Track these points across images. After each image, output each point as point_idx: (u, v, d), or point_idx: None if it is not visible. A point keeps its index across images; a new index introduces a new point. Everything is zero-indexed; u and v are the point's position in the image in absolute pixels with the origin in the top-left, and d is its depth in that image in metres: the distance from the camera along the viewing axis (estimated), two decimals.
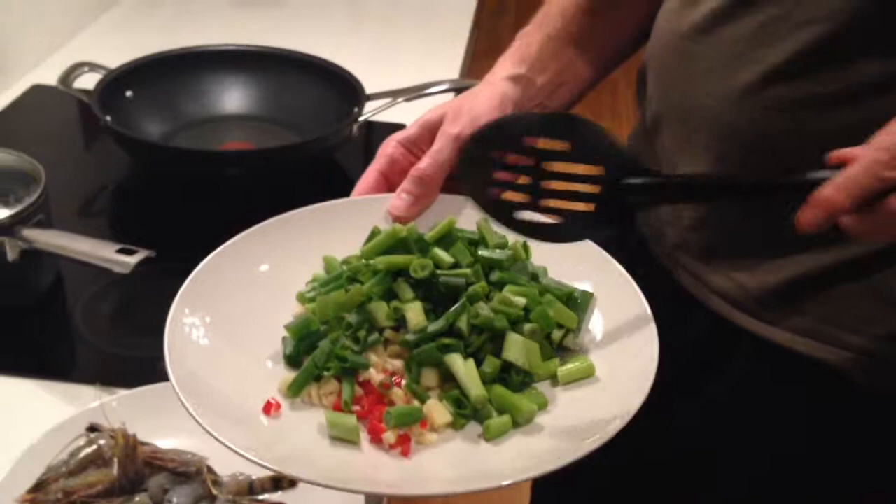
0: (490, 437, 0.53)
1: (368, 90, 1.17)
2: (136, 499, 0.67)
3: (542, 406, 0.55)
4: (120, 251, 0.81)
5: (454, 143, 0.66)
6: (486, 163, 0.56)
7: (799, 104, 0.62)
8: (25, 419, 0.75)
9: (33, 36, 1.35)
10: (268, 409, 0.54)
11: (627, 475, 0.84)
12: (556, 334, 0.58)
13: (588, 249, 0.61)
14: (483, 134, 0.58)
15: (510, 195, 0.56)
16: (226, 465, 0.70)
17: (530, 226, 0.57)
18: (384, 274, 0.58)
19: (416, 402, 0.54)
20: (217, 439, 0.50)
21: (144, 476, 0.68)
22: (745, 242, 0.69)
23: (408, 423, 0.53)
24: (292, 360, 0.57)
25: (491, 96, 0.70)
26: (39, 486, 0.67)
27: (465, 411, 0.54)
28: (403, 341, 0.56)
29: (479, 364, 0.55)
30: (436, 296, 0.57)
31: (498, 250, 0.60)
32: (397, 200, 0.65)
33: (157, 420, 0.72)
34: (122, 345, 0.86)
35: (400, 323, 0.57)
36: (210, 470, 0.69)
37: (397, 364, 0.56)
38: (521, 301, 0.57)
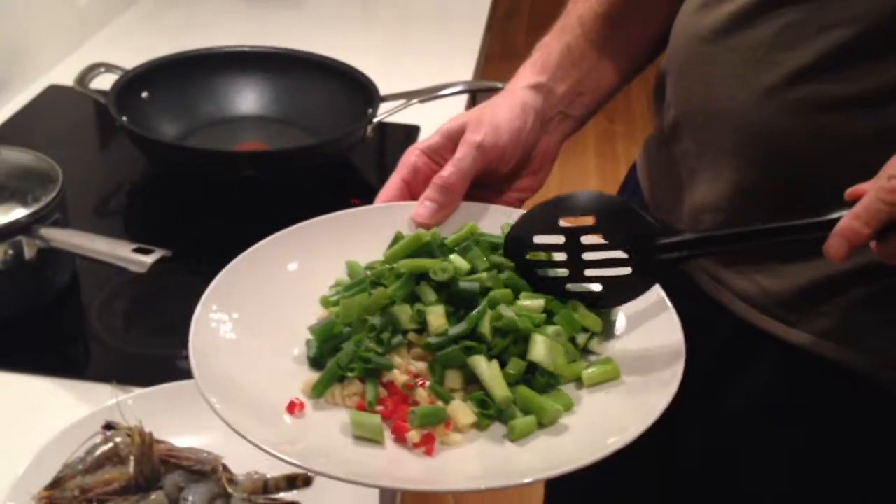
0: (515, 437, 0.53)
1: (382, 91, 1.17)
2: (152, 496, 0.67)
3: (568, 407, 0.55)
4: (136, 250, 0.81)
5: (476, 151, 0.66)
6: (526, 248, 0.61)
7: (822, 107, 0.62)
8: (42, 417, 0.76)
9: (50, 37, 1.36)
10: (291, 408, 0.55)
11: (645, 478, 0.84)
12: (581, 338, 0.59)
13: None
14: (520, 223, 0.62)
15: (557, 271, 0.61)
16: (241, 464, 0.71)
17: (579, 296, 0.61)
18: (407, 277, 0.58)
19: (440, 403, 0.54)
20: (239, 433, 0.51)
21: (160, 474, 0.69)
22: None
23: (432, 423, 0.53)
24: (316, 363, 0.58)
25: (512, 105, 0.71)
26: (56, 484, 0.68)
27: (490, 412, 0.54)
28: (426, 344, 0.56)
29: (503, 366, 0.55)
30: (457, 300, 0.58)
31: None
32: (421, 208, 0.65)
33: (172, 418, 0.73)
34: (138, 343, 0.86)
35: (423, 326, 0.58)
36: (225, 468, 0.70)
37: (421, 366, 0.56)
38: (539, 303, 0.58)
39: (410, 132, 1.23)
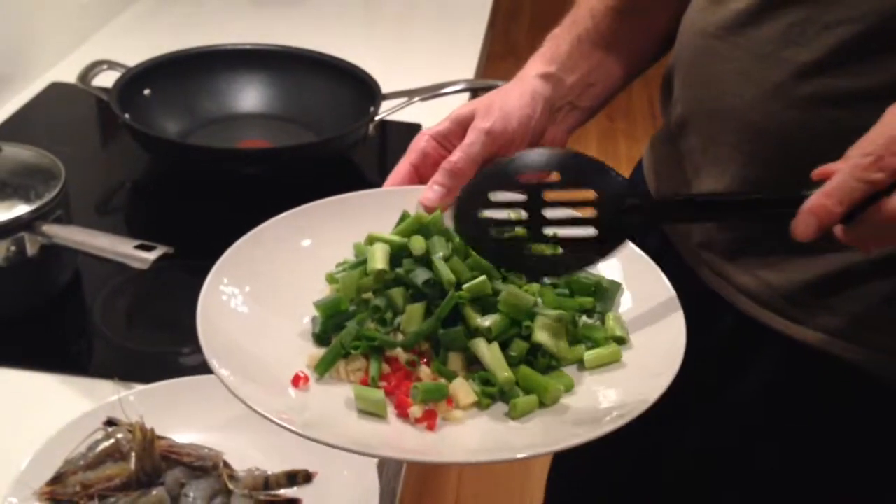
0: (516, 415, 0.54)
1: (384, 90, 1.17)
2: (153, 492, 0.67)
3: (569, 387, 0.55)
4: (138, 247, 0.82)
5: (485, 137, 0.67)
6: (478, 206, 0.56)
7: (828, 103, 0.62)
8: (44, 413, 0.76)
9: (52, 34, 1.37)
10: (296, 381, 0.56)
11: (647, 473, 0.84)
12: (582, 323, 0.59)
13: None
14: (475, 180, 0.58)
15: (512, 231, 0.57)
16: (242, 461, 0.71)
17: (537, 261, 0.57)
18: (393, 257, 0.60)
19: (442, 381, 0.55)
20: (243, 402, 0.51)
21: (161, 470, 0.69)
22: (772, 241, 0.69)
23: (434, 399, 0.54)
24: (321, 338, 0.59)
25: (522, 93, 0.71)
26: (58, 479, 0.68)
27: (492, 390, 0.55)
28: (414, 335, 0.57)
29: (505, 347, 0.56)
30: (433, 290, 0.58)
31: None
32: (429, 192, 0.66)
33: (174, 415, 0.73)
34: (140, 340, 0.86)
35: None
36: (226, 464, 0.70)
37: (424, 346, 0.57)
38: (530, 298, 0.57)
39: (412, 130, 1.23)
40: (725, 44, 0.67)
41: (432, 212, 0.64)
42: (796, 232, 0.51)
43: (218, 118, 1.22)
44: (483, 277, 0.57)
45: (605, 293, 0.61)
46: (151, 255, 0.80)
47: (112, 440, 0.70)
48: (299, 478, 0.71)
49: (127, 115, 1.07)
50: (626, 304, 0.61)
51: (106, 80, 1.15)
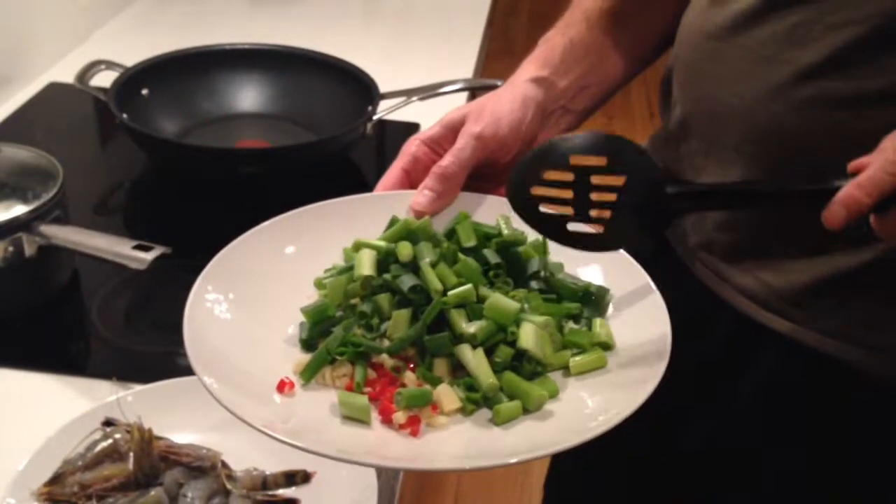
0: (500, 421, 0.54)
1: (382, 89, 1.17)
2: (152, 493, 0.67)
3: (553, 393, 0.55)
4: (136, 247, 0.82)
5: (476, 142, 0.67)
6: (532, 183, 0.59)
7: (829, 105, 0.62)
8: (42, 413, 0.76)
9: (50, 34, 1.37)
10: (281, 387, 0.56)
11: (644, 475, 0.84)
12: (569, 329, 0.60)
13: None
14: (530, 156, 0.60)
15: (559, 208, 0.59)
16: (240, 461, 0.71)
17: (578, 237, 0.60)
18: (380, 263, 0.60)
19: (427, 387, 0.55)
20: (229, 410, 0.51)
21: (159, 470, 0.69)
22: (772, 242, 0.69)
23: (418, 405, 0.54)
24: (307, 345, 0.59)
25: (513, 98, 0.71)
26: (56, 480, 0.68)
27: (476, 396, 0.55)
28: (400, 340, 0.57)
29: (490, 353, 0.56)
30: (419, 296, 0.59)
31: (487, 251, 0.61)
32: (419, 196, 0.66)
33: (172, 415, 0.73)
34: (138, 340, 0.86)
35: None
36: (224, 465, 0.70)
37: (410, 351, 0.57)
38: (515, 305, 0.57)
39: (410, 129, 1.23)
40: (726, 44, 0.67)
41: (423, 216, 0.64)
42: (827, 220, 0.53)
43: (216, 118, 1.22)
44: (469, 285, 0.58)
45: (593, 299, 0.61)
46: (149, 256, 0.80)
47: (110, 440, 0.70)
48: (297, 478, 0.71)
49: (125, 115, 1.07)
50: (613, 310, 0.61)
51: (103, 80, 1.15)
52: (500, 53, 2.66)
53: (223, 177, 1.09)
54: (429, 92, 1.18)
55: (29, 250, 0.85)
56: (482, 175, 0.69)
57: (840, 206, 0.52)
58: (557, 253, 0.63)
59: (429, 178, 0.66)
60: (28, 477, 0.68)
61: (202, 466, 0.69)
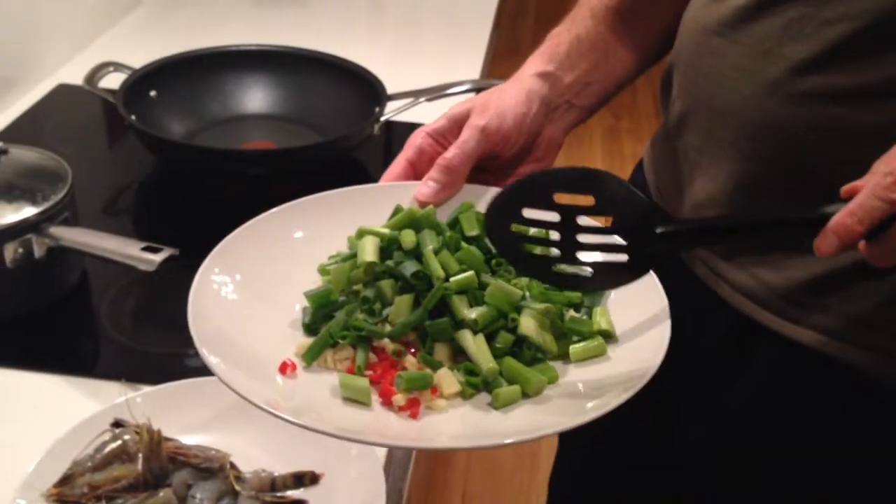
0: (499, 405, 0.54)
1: (390, 90, 1.17)
2: (160, 494, 0.67)
3: (553, 379, 0.56)
4: (145, 249, 0.82)
5: (480, 135, 0.67)
6: (512, 219, 0.58)
7: (826, 100, 0.62)
8: (51, 414, 0.76)
9: (59, 36, 1.37)
10: (283, 368, 0.56)
11: (646, 473, 0.84)
12: (569, 317, 0.60)
13: None
14: (510, 191, 0.59)
15: (546, 250, 0.58)
16: (248, 462, 0.71)
17: (564, 278, 0.59)
18: (384, 249, 0.61)
19: (427, 370, 0.56)
20: (231, 388, 0.52)
21: (168, 471, 0.69)
22: None
23: (418, 388, 0.54)
24: (310, 329, 0.59)
25: (518, 92, 0.71)
26: (65, 481, 0.68)
27: (475, 380, 0.55)
28: (403, 325, 0.58)
29: (491, 339, 0.57)
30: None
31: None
32: (423, 187, 0.66)
33: (180, 416, 0.73)
34: (147, 341, 0.87)
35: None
36: (233, 466, 0.70)
37: (411, 336, 0.58)
38: (517, 292, 0.58)
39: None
40: (724, 40, 0.67)
41: (427, 207, 0.65)
42: (819, 249, 0.52)
43: (223, 119, 1.22)
44: (471, 272, 0.58)
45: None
46: (158, 257, 0.80)
47: (119, 441, 0.70)
48: (306, 479, 0.71)
49: (133, 117, 1.07)
50: (614, 300, 0.62)
51: (112, 81, 1.16)
52: (506, 54, 2.66)
53: (230, 178, 1.09)
54: (436, 93, 1.18)
55: (38, 252, 0.85)
56: (486, 168, 0.70)
57: (832, 236, 0.51)
58: None
59: (433, 170, 0.67)
60: (38, 478, 0.68)
61: (211, 468, 0.69)
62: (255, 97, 1.25)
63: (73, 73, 1.28)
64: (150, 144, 1.09)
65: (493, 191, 0.68)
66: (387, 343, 0.57)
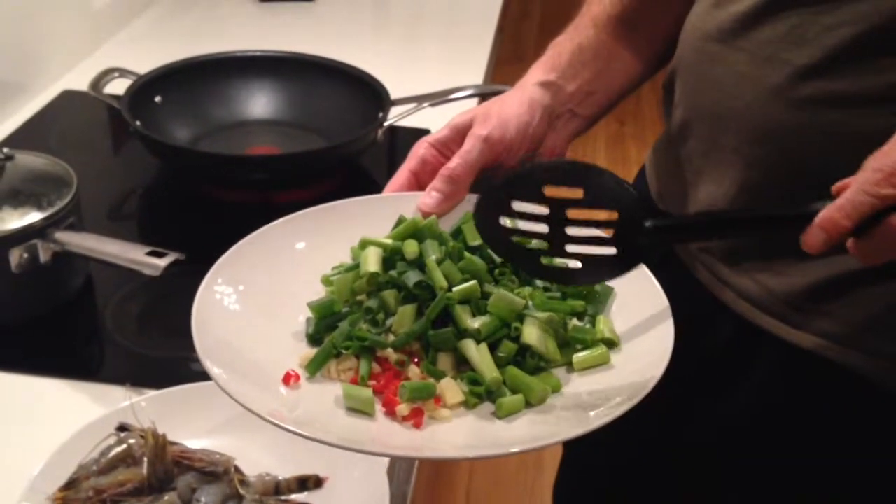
0: (502, 414, 0.54)
1: (393, 95, 1.18)
2: (165, 497, 0.68)
3: (556, 388, 0.56)
4: (150, 254, 0.82)
5: (483, 144, 0.68)
6: (501, 212, 0.58)
7: (828, 105, 0.62)
8: (57, 418, 0.77)
9: (64, 42, 1.38)
10: (287, 379, 0.56)
11: (650, 480, 0.84)
12: (573, 325, 0.61)
13: None
14: (499, 184, 0.59)
15: (534, 243, 0.58)
16: (253, 466, 0.71)
17: (553, 271, 0.59)
18: (387, 260, 0.61)
19: (431, 380, 0.56)
20: (235, 399, 0.52)
21: (173, 475, 0.69)
22: (772, 245, 0.69)
23: (421, 398, 0.55)
24: (313, 339, 0.60)
25: (520, 101, 0.72)
26: (71, 485, 0.68)
27: (479, 390, 0.55)
28: (405, 335, 0.58)
29: (494, 349, 0.57)
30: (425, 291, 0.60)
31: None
32: (427, 197, 0.67)
33: (185, 420, 0.73)
34: (152, 346, 0.87)
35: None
36: (237, 470, 0.70)
37: (415, 346, 0.58)
38: (520, 301, 0.58)
39: (421, 136, 1.23)
40: (726, 46, 0.68)
41: (430, 217, 0.65)
42: (806, 243, 0.52)
43: (228, 125, 1.23)
44: (473, 282, 0.58)
45: (597, 297, 0.62)
46: (162, 262, 0.80)
47: (124, 445, 0.70)
48: (310, 483, 0.71)
49: (138, 123, 1.08)
50: (617, 308, 0.62)
51: (116, 87, 1.16)
52: (510, 59, 2.67)
53: (235, 183, 1.10)
54: (439, 98, 1.19)
55: (44, 257, 0.85)
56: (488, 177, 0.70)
57: (819, 231, 0.51)
58: None
59: (436, 180, 0.67)
60: (43, 482, 0.68)
61: (215, 471, 0.70)
62: (260, 102, 1.26)
63: (78, 80, 1.29)
64: (155, 150, 1.10)
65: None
66: (390, 353, 0.57)
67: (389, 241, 0.62)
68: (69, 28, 1.39)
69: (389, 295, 0.59)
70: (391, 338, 0.58)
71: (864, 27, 0.60)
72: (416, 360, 0.58)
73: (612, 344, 0.59)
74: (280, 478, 0.71)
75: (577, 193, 0.56)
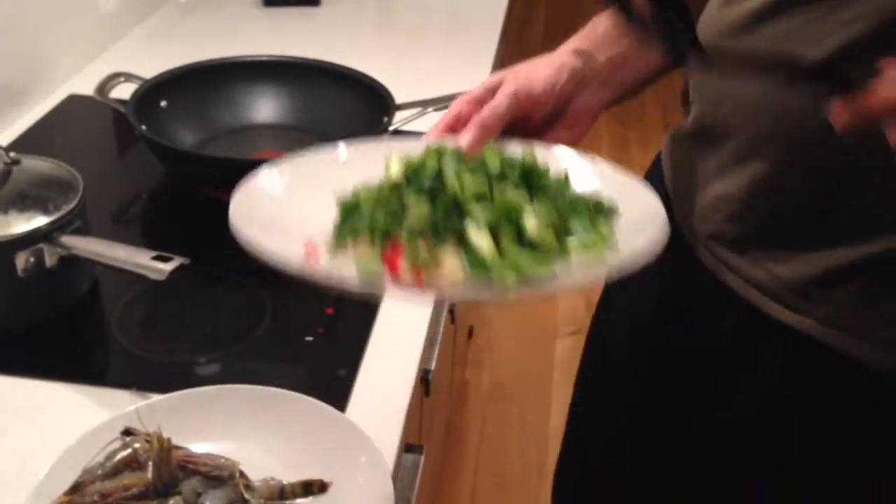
0: (500, 287, 0.59)
1: (398, 100, 1.18)
2: (170, 502, 0.68)
3: (552, 267, 0.60)
4: (155, 258, 0.82)
5: (511, 99, 0.73)
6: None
7: None
8: (62, 422, 0.77)
9: (70, 46, 1.38)
10: (309, 252, 0.61)
11: (655, 465, 0.85)
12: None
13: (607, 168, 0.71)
14: None
15: None
16: (258, 470, 0.71)
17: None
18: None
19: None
20: (265, 257, 0.57)
21: (178, 479, 0.69)
22: (782, 234, 0.70)
23: (426, 266, 0.59)
24: (337, 233, 0.64)
25: (550, 64, 0.76)
26: (76, 489, 0.69)
27: (479, 264, 0.59)
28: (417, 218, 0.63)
29: (497, 238, 0.61)
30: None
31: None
32: (459, 140, 0.71)
33: (190, 424, 0.74)
34: (157, 350, 0.87)
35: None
36: (242, 474, 0.70)
37: (425, 232, 0.62)
38: (524, 198, 0.63)
39: None
40: (739, 43, 0.69)
41: None
42: (839, 119, 0.52)
43: (233, 129, 1.23)
44: (484, 181, 0.63)
45: (604, 211, 0.65)
46: (168, 267, 0.80)
47: (129, 450, 0.71)
48: (314, 487, 0.71)
49: (143, 127, 1.08)
50: (618, 221, 0.66)
51: (122, 91, 1.17)
52: (514, 62, 2.66)
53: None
54: (444, 103, 1.19)
55: (50, 261, 0.86)
56: (518, 130, 0.74)
57: (863, 109, 0.50)
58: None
59: (468, 126, 0.72)
60: (48, 486, 0.68)
61: (220, 476, 0.70)
62: (265, 107, 1.26)
63: (84, 83, 1.30)
64: (160, 154, 1.10)
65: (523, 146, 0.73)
66: (403, 235, 0.61)
67: (413, 158, 0.67)
68: (75, 32, 1.40)
69: (407, 192, 0.63)
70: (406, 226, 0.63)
71: (877, 22, 0.61)
72: (424, 244, 0.62)
73: (607, 239, 0.63)
74: (285, 482, 0.71)
75: None
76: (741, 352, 0.75)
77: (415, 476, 0.91)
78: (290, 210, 0.66)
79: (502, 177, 0.65)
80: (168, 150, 1.10)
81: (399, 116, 1.16)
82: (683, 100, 0.82)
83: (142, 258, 0.83)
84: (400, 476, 0.81)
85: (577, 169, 0.70)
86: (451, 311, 0.98)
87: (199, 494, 0.69)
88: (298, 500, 0.70)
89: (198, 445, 0.73)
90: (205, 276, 0.86)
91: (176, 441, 0.70)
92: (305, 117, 1.24)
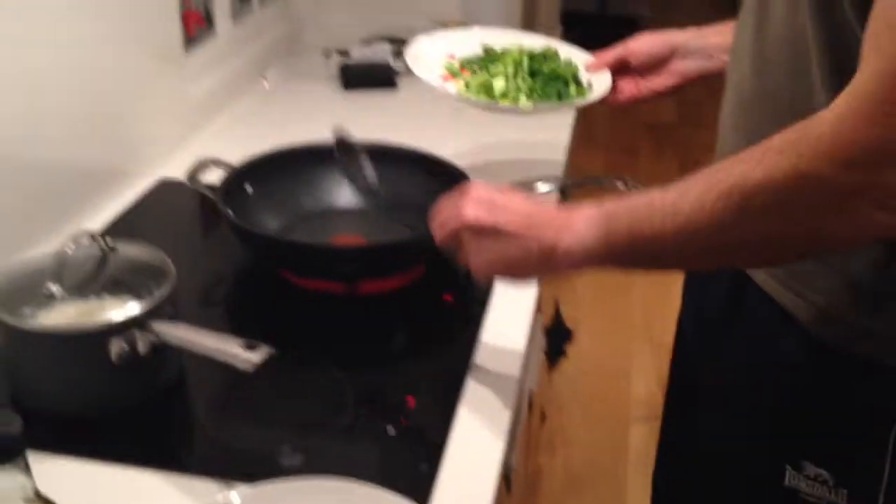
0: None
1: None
2: None
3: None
4: (243, 346, 0.83)
5: (621, 47, 1.22)
6: None
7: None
8: None
9: (160, 132, 1.44)
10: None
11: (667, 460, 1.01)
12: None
13: None
14: None
15: None
16: None
17: None
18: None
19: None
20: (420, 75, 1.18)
21: None
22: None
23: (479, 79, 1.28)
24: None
25: (662, 36, 1.18)
26: None
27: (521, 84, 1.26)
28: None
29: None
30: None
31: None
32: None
33: None
34: (243, 439, 0.88)
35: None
36: None
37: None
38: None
39: None
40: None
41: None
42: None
43: (315, 213, 1.25)
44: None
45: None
46: (257, 358, 0.81)
47: None
48: None
49: (230, 212, 1.11)
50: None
51: (210, 175, 1.20)
52: (583, 142, 2.67)
53: (320, 273, 1.11)
54: (518, 187, 1.20)
55: (142, 348, 0.87)
56: (624, 70, 1.23)
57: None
58: None
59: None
60: None
61: None
62: (345, 190, 1.28)
63: (173, 168, 1.34)
64: (246, 240, 1.13)
65: None
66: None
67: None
68: (166, 117, 1.45)
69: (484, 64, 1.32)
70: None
71: None
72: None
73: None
74: None
75: None
76: (730, 314, 0.90)
77: None
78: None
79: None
80: (253, 236, 1.12)
81: None
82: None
83: (231, 347, 0.83)
84: None
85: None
86: (507, 477, 0.99)
87: None
88: None
89: None
90: (288, 365, 0.87)
91: None
92: (384, 199, 1.26)
